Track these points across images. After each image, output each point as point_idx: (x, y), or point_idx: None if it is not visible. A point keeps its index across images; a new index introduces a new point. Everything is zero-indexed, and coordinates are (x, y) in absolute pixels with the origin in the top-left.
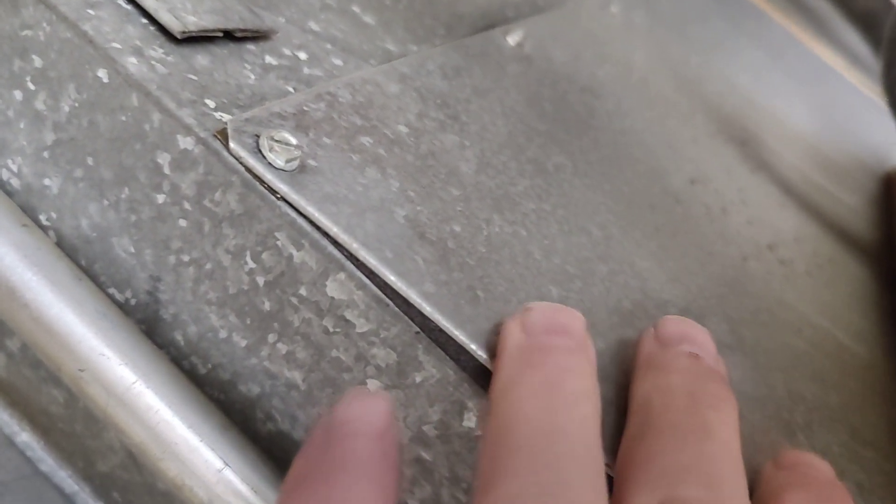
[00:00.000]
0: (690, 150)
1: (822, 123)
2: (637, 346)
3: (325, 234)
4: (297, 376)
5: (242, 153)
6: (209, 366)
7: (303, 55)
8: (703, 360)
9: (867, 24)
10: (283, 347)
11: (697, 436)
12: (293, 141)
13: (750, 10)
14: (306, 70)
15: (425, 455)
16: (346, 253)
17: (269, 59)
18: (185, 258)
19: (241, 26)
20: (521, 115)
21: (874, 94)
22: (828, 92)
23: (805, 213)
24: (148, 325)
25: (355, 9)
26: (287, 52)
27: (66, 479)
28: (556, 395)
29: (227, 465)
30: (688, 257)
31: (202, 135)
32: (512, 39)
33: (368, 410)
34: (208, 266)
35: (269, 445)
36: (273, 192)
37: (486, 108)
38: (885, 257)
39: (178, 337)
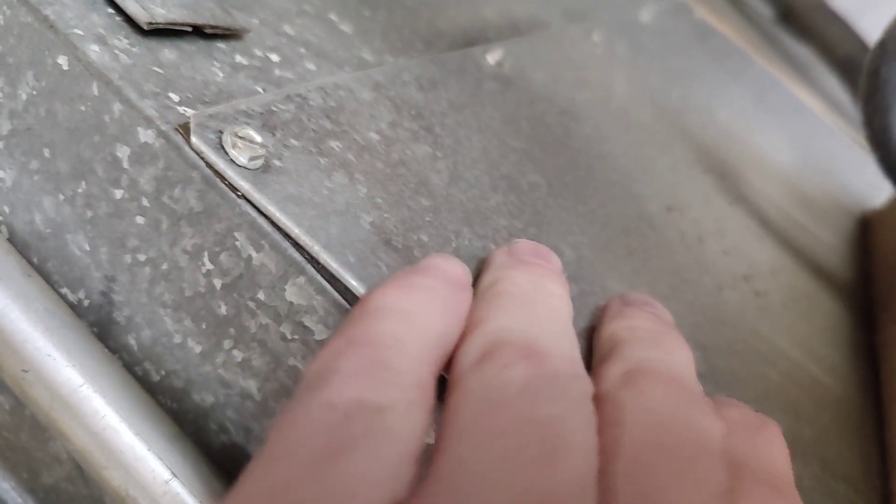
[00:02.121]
0: (668, 178)
1: (802, 163)
2: (603, 309)
3: (286, 236)
4: (252, 385)
5: (204, 148)
6: (162, 372)
7: (275, 57)
8: (665, 321)
9: (847, 70)
10: (238, 354)
11: (660, 348)
12: (258, 139)
13: (732, 49)
14: (277, 72)
15: None
16: (306, 256)
17: (239, 58)
18: (142, 257)
19: (212, 23)
20: (497, 132)
21: (853, 139)
22: (808, 133)
23: (782, 247)
24: (101, 327)
25: (333, 17)
26: (258, 52)
27: (8, 491)
28: (537, 288)
29: (174, 476)
30: (661, 282)
31: (163, 128)
32: (491, 58)
33: (451, 265)
34: (165, 266)
35: (220, 458)
36: (234, 189)
37: (462, 122)
38: (860, 295)
39: (132, 341)
